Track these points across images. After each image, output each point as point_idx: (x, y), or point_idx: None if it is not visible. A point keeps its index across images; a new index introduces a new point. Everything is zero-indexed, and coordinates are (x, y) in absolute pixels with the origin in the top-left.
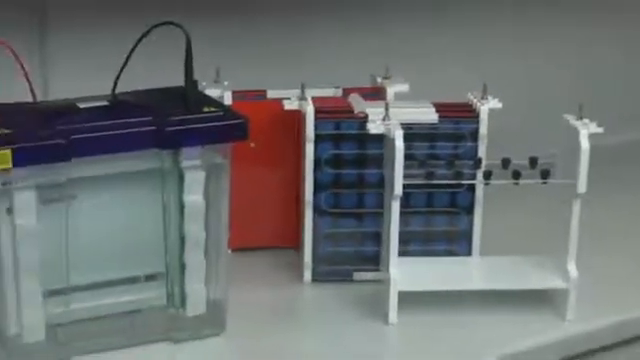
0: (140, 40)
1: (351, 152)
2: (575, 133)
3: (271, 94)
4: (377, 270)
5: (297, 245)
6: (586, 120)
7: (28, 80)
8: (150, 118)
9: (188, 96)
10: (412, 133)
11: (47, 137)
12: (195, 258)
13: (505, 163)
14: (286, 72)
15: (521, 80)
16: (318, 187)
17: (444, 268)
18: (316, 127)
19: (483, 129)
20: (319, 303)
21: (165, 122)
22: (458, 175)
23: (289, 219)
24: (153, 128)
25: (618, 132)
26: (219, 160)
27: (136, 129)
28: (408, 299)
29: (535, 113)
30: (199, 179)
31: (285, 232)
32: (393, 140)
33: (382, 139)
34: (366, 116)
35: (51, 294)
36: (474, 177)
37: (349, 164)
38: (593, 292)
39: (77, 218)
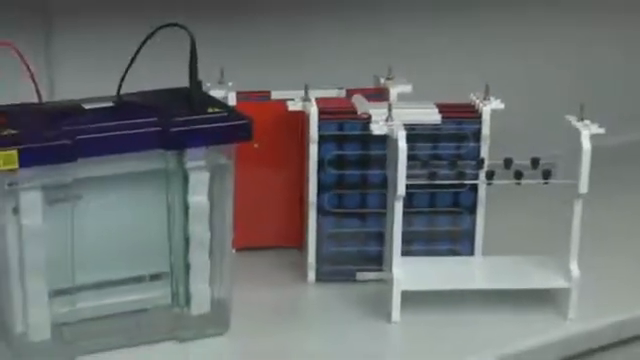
0: (145, 41)
1: (354, 153)
2: (576, 134)
3: (275, 95)
4: (380, 270)
5: (301, 245)
6: (587, 121)
7: (34, 81)
8: (155, 119)
9: (192, 97)
10: (415, 134)
11: (53, 138)
12: (199, 258)
13: (507, 163)
14: (290, 73)
15: (523, 81)
16: (322, 187)
17: (447, 268)
18: (320, 128)
19: (485, 130)
20: (323, 303)
21: (170, 123)
22: (461, 175)
23: (293, 219)
24: (158, 129)
25: (619, 132)
26: (223, 161)
27: (141, 130)
28: (411, 298)
29: (537, 114)
30: (203, 180)
31: (289, 232)
32: (396, 141)
33: (385, 140)
34: (369, 117)
35: (57, 293)
36: (477, 177)
37: (352, 165)
38: (595, 292)
39: (83, 218)
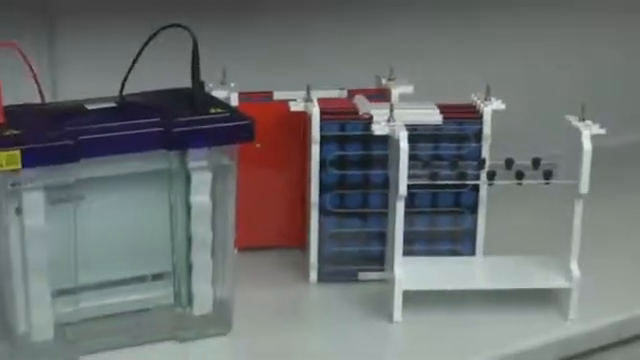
0: (148, 42)
1: (356, 153)
2: (577, 134)
3: (277, 96)
4: (382, 270)
5: (303, 245)
6: (588, 121)
7: (37, 82)
8: (157, 119)
9: (195, 97)
10: (416, 134)
11: (56, 138)
12: (202, 258)
13: (508, 164)
14: (292, 74)
15: (524, 81)
16: (324, 188)
17: (448, 268)
18: (322, 128)
19: (487, 130)
20: (324, 302)
21: (172, 123)
22: (462, 175)
23: (295, 219)
24: (160, 129)
25: (620, 133)
26: (226, 161)
27: (143, 130)
28: (413, 298)
29: (538, 114)
30: (206, 180)
31: (291, 232)
32: (398, 141)
33: (387, 140)
34: (371, 117)
35: (59, 293)
36: (478, 177)
37: (354, 165)
38: (596, 292)
39: (85, 218)
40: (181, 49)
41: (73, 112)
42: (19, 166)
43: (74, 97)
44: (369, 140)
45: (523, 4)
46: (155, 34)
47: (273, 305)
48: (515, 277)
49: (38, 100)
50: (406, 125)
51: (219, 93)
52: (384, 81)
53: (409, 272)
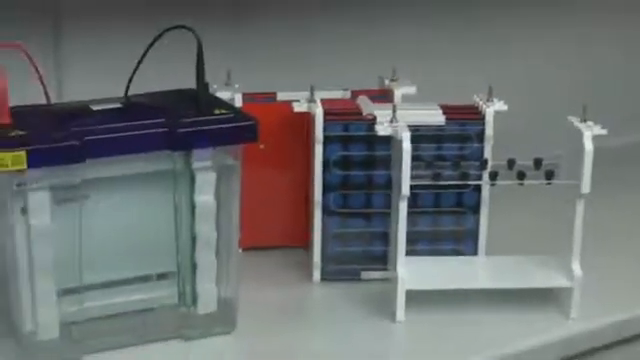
0: (152, 43)
1: (359, 153)
2: (579, 135)
3: (281, 96)
4: (385, 269)
5: (306, 245)
6: (590, 122)
7: (42, 83)
8: (162, 120)
9: (199, 98)
10: (419, 135)
11: (61, 139)
12: (206, 258)
13: (510, 164)
14: (295, 75)
15: (526, 82)
16: (327, 188)
17: (451, 267)
18: (325, 129)
19: (489, 131)
20: (328, 302)
21: (177, 124)
22: (464, 176)
23: (298, 219)
24: (165, 130)
25: (621, 133)
26: (230, 161)
27: (148, 131)
28: (415, 298)
29: (539, 114)
30: (210, 180)
31: (295, 232)
32: (401, 141)
33: (390, 141)
34: (374, 118)
35: (65, 293)
36: (480, 178)
37: (357, 165)
38: (597, 291)
39: (90, 218)
40: (186, 50)
41: (78, 113)
42: (24, 166)
43: (79, 98)
44: (372, 140)
45: (524, 5)
46: (160, 35)
47: (277, 304)
48: (517, 277)
49: (44, 101)
50: (409, 126)
51: (223, 94)
52: (387, 82)
53: (412, 272)
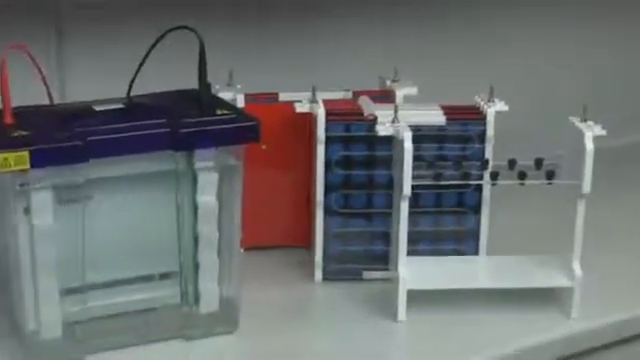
0: (155, 44)
1: (361, 153)
2: (580, 135)
3: (283, 97)
4: (386, 269)
5: (308, 244)
6: (590, 122)
7: (45, 83)
8: (164, 120)
9: (202, 99)
10: (420, 135)
11: (64, 139)
12: (208, 257)
13: (511, 164)
14: (297, 75)
15: (527, 82)
16: (329, 188)
17: (452, 267)
18: (327, 129)
19: (490, 131)
20: (329, 301)
21: (179, 124)
22: (466, 176)
23: (300, 219)
24: (167, 130)
25: (622, 134)
26: (232, 162)
27: (151, 131)
28: (417, 297)
29: (541, 115)
30: (212, 180)
31: (296, 232)
32: (402, 142)
33: (391, 141)
34: (375, 118)
35: (68, 292)
36: (481, 178)
37: (359, 165)
38: (598, 290)
39: (93, 218)
40: (188, 51)
41: (81, 113)
42: (27, 166)
43: (82, 98)
44: (374, 141)
45: (525, 5)
46: (162, 36)
47: (279, 304)
48: (518, 276)
49: (47, 101)
50: (410, 126)
51: (225, 94)
52: (388, 83)
53: (413, 271)
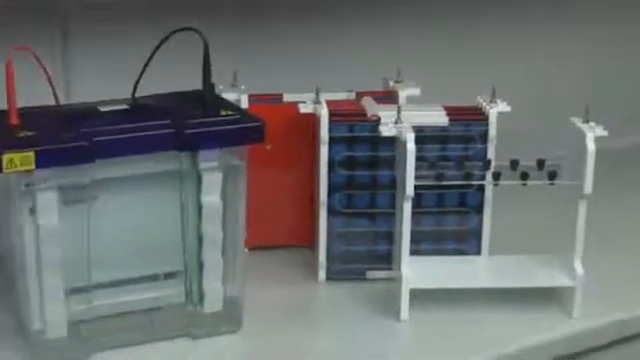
0: (159, 45)
1: (364, 154)
2: (581, 135)
3: (287, 98)
4: (389, 269)
5: (312, 244)
6: (592, 123)
7: (51, 84)
8: (169, 121)
9: (206, 100)
10: (423, 135)
11: (70, 139)
12: (213, 257)
13: (513, 164)
14: (301, 76)
15: (529, 83)
16: (332, 188)
17: (454, 266)
18: (330, 130)
19: (492, 131)
20: (333, 301)
21: (184, 125)
22: (468, 176)
23: (304, 219)
24: (172, 131)
25: (623, 134)
26: (236, 162)
27: (156, 132)
28: (419, 296)
29: (542, 116)
30: (217, 180)
31: (300, 231)
32: (405, 142)
33: (394, 141)
34: (379, 119)
35: (73, 291)
36: (483, 178)
37: (362, 166)
38: (599, 290)
39: (98, 218)
40: (192, 52)
41: (87, 114)
42: (33, 167)
43: (87, 99)
44: (377, 141)
45: (526, 6)
46: (167, 37)
47: (282, 303)
48: (520, 276)
49: (52, 102)
50: (413, 127)
51: (229, 95)
52: (391, 83)
53: (416, 271)
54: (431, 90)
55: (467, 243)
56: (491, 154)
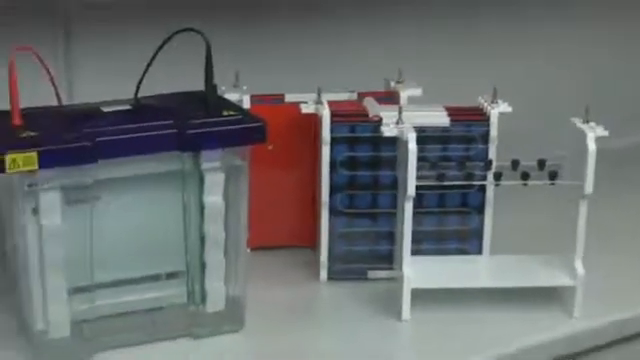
0: (162, 46)
1: (366, 154)
2: (582, 135)
3: (288, 98)
4: (391, 268)
5: (314, 244)
6: (592, 123)
7: (54, 84)
8: (171, 121)
9: (208, 100)
10: (425, 136)
11: (72, 140)
12: (215, 257)
13: (514, 165)
14: (303, 77)
15: (530, 83)
16: (334, 188)
17: (456, 266)
18: (332, 130)
19: (493, 132)
20: (335, 301)
21: (186, 125)
22: (469, 176)
23: (306, 219)
24: (174, 131)
25: (624, 134)
26: (238, 162)
27: (158, 132)
28: (421, 296)
29: (543, 116)
30: (219, 181)
31: (302, 232)
32: (406, 143)
33: (396, 142)
34: (380, 119)
35: (76, 291)
36: (485, 178)
37: (364, 166)
38: (600, 290)
39: (101, 218)
40: (194, 53)
41: (89, 114)
42: (36, 167)
43: (90, 99)
44: (378, 142)
45: (526, 6)
46: (169, 38)
47: (284, 303)
48: (521, 275)
49: (55, 102)
50: (414, 127)
51: (231, 96)
52: (393, 84)
53: (417, 271)
54: (432, 90)
55: (468, 243)
56: (492, 154)
